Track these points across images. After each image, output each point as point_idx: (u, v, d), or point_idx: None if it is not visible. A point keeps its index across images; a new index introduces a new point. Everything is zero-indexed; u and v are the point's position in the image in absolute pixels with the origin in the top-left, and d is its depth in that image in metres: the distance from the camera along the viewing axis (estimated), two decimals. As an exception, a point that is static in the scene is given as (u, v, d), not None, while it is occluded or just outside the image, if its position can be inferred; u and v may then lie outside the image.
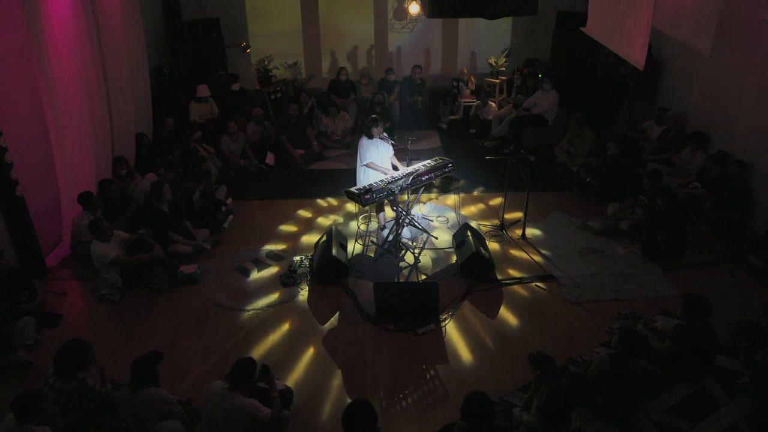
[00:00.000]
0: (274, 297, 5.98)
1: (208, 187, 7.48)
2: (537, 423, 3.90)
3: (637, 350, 4.38)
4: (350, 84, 10.44)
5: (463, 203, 7.71)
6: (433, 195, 7.98)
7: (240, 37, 10.59)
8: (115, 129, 7.51)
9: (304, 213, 7.62)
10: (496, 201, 7.65)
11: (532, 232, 6.98)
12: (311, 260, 6.41)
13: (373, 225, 7.13)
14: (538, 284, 6.09)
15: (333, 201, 7.87)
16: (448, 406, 4.61)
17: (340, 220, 7.42)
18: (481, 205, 7.75)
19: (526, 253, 6.66)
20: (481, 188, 8.15)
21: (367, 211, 7.19)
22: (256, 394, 4.21)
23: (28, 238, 5.97)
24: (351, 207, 7.57)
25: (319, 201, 7.91)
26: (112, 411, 4.12)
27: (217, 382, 4.05)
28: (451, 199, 7.84)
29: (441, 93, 11.00)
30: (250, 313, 5.76)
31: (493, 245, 6.70)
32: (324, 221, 7.42)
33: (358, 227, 7.11)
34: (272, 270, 6.41)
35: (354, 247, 6.76)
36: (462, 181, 8.21)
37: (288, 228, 7.27)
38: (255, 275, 6.33)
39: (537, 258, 6.54)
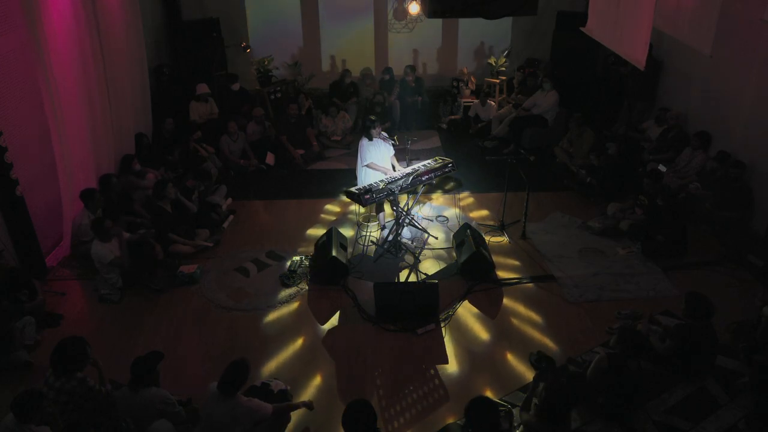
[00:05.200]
0: (274, 297, 5.98)
1: (208, 188, 7.47)
2: (536, 423, 3.90)
3: (637, 350, 4.37)
4: (353, 87, 10.43)
5: (463, 203, 7.71)
6: (433, 195, 7.98)
7: (240, 37, 10.59)
8: (115, 129, 7.51)
9: (304, 213, 7.60)
10: (496, 201, 7.64)
11: (532, 232, 6.98)
12: (311, 260, 6.41)
13: (373, 225, 7.13)
14: (539, 284, 6.10)
15: (333, 201, 7.86)
16: (448, 406, 4.61)
17: (341, 220, 7.41)
18: (481, 205, 7.75)
19: (526, 253, 6.66)
20: (481, 188, 8.14)
21: (367, 212, 7.19)
22: (256, 393, 4.22)
23: (28, 238, 5.97)
24: (351, 207, 7.56)
25: (320, 201, 7.89)
26: (112, 411, 4.13)
27: (216, 382, 4.04)
28: (451, 199, 7.84)
29: (441, 93, 11.00)
30: (250, 313, 5.76)
31: (493, 245, 6.70)
32: (324, 221, 7.41)
33: (358, 227, 7.10)
34: (272, 270, 6.41)
35: (354, 247, 6.76)
36: (463, 183, 8.21)
37: (288, 228, 7.26)
38: (255, 275, 6.34)
39: (537, 258, 6.55)
